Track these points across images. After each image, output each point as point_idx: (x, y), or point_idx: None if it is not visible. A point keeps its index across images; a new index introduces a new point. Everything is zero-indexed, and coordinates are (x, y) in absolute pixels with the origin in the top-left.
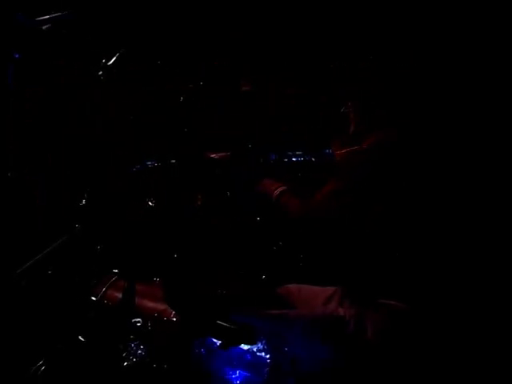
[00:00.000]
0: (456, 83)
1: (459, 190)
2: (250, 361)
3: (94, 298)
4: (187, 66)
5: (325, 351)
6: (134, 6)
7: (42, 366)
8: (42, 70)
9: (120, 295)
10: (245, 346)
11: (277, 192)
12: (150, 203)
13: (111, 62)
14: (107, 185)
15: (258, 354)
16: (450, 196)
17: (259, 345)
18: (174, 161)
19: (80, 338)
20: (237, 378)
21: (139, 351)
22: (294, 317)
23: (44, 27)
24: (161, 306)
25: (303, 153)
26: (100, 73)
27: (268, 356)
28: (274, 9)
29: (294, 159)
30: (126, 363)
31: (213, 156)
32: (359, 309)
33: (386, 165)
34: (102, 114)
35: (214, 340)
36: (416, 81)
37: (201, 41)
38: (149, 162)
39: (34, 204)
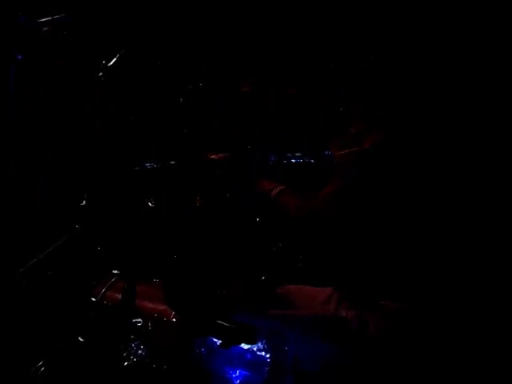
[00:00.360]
0: (456, 83)
1: (459, 189)
2: (250, 360)
3: (93, 299)
4: (187, 66)
5: (326, 350)
6: (134, 6)
7: (42, 366)
8: (42, 70)
9: (120, 296)
10: (245, 346)
11: (276, 191)
12: (149, 204)
13: (112, 63)
14: (107, 185)
15: (258, 353)
16: (450, 196)
17: (259, 344)
18: (173, 161)
19: (80, 338)
20: (237, 378)
21: (139, 351)
22: (294, 317)
23: (44, 29)
24: (161, 307)
25: (302, 154)
26: (100, 74)
27: (268, 355)
28: (274, 9)
29: (293, 161)
30: (126, 363)
31: (213, 156)
32: (359, 309)
33: (385, 165)
34: (102, 114)
35: (215, 339)
36: (416, 81)
37: (201, 41)
38: (148, 163)
39: (33, 204)
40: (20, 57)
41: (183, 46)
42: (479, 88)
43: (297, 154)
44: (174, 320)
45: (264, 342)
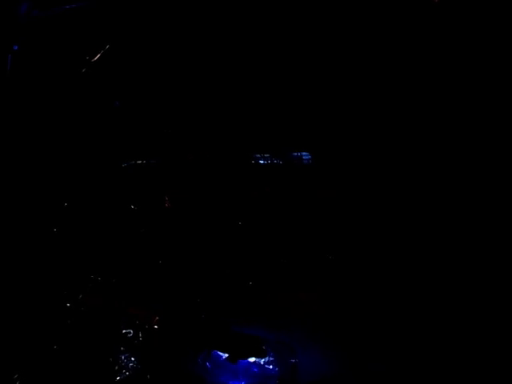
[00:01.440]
0: (455, 85)
1: (458, 190)
2: (257, 373)
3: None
4: (179, 68)
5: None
6: (131, 5)
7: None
8: (40, 67)
9: (105, 302)
10: (251, 358)
11: (263, 191)
12: (133, 206)
13: (95, 59)
14: (95, 185)
15: (265, 366)
16: (449, 196)
17: (266, 357)
18: (159, 162)
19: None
20: None
21: (131, 364)
22: (293, 326)
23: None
24: (148, 312)
25: (271, 155)
26: (84, 69)
27: (277, 369)
28: (274, 9)
29: (261, 162)
30: (118, 378)
31: (195, 158)
32: (349, 310)
33: (378, 164)
34: (89, 112)
35: (220, 353)
36: (412, 82)
37: (195, 41)
38: (135, 162)
39: (34, 205)
40: (16, 47)
41: (178, 46)
42: (478, 89)
43: (265, 155)
44: (162, 327)
45: (271, 354)
